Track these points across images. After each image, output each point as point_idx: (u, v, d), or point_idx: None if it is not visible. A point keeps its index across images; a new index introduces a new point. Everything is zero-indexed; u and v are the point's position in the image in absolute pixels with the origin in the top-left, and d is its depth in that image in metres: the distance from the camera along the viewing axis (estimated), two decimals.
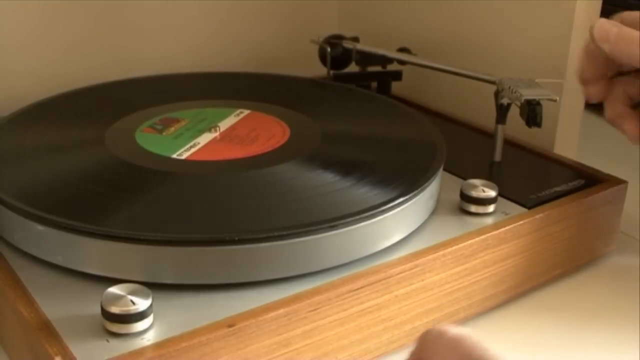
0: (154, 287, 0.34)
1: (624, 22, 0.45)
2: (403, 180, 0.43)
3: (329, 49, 0.65)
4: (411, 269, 0.39)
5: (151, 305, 0.33)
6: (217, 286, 0.36)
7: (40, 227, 0.38)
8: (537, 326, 0.44)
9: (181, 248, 0.36)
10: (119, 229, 0.37)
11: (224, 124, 0.51)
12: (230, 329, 0.33)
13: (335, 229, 0.38)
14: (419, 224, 0.43)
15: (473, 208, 0.45)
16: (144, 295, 0.33)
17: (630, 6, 0.76)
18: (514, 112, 0.50)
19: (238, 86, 0.61)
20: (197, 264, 0.36)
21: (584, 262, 0.50)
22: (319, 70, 0.67)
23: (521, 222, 0.44)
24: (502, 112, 0.52)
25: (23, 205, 0.38)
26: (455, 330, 0.30)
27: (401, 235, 0.42)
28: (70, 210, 0.38)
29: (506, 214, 0.45)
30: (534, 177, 0.51)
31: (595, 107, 0.79)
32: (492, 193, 0.45)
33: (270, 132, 0.50)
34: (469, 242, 0.42)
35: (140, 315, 0.33)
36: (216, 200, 0.41)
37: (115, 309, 0.32)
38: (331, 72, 0.65)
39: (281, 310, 0.35)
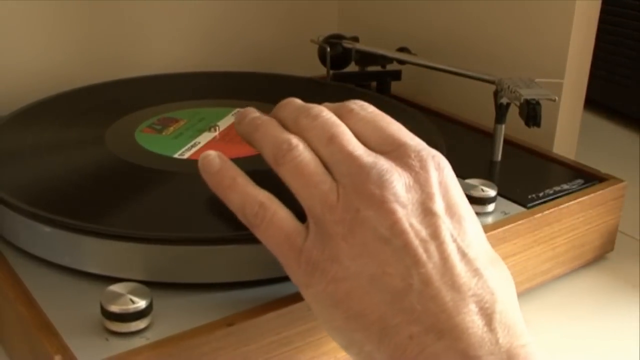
0: (153, 286, 0.34)
1: None
2: None
3: (328, 49, 0.65)
4: None
5: (151, 304, 0.33)
6: (216, 285, 0.37)
7: (42, 227, 0.38)
8: (536, 326, 0.44)
9: (181, 247, 0.36)
10: (122, 228, 0.37)
11: (223, 123, 0.51)
12: (230, 328, 0.33)
13: None
14: None
15: (473, 207, 0.45)
16: (144, 294, 0.33)
17: (630, 6, 0.76)
18: (513, 112, 0.50)
19: (236, 86, 0.62)
20: (197, 263, 0.36)
21: (584, 262, 0.50)
22: (319, 70, 0.67)
23: (520, 221, 0.44)
24: (501, 111, 0.52)
25: (25, 206, 0.38)
26: None
27: None
28: (72, 210, 0.38)
29: (505, 214, 0.45)
30: (533, 177, 0.51)
31: (594, 107, 0.80)
32: (491, 192, 0.45)
33: None
34: None
35: (140, 314, 0.33)
36: (220, 199, 0.41)
37: (114, 308, 0.32)
38: (331, 71, 0.65)
39: (281, 310, 0.35)
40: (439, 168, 0.33)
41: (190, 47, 0.72)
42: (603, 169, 0.52)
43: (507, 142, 0.54)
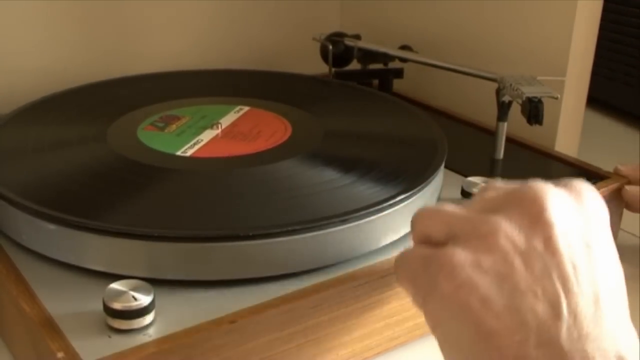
0: (156, 283, 0.34)
1: None
2: (405, 177, 0.43)
3: (330, 47, 0.65)
4: None
5: (153, 301, 0.33)
6: (219, 282, 0.37)
7: (44, 224, 0.38)
8: None
9: (184, 244, 0.36)
10: (124, 225, 0.37)
11: (225, 121, 0.51)
12: (232, 325, 0.33)
13: (346, 224, 0.38)
14: None
15: None
16: (146, 291, 0.33)
17: (632, 4, 0.76)
18: (515, 110, 0.50)
19: (238, 83, 0.62)
20: (199, 260, 0.36)
21: None
22: (321, 68, 0.67)
23: None
24: (503, 109, 0.52)
25: (27, 203, 0.39)
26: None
27: (403, 231, 0.42)
28: (74, 207, 0.38)
29: None
30: (535, 175, 0.51)
31: (596, 105, 0.80)
32: None
33: (272, 128, 0.50)
34: None
35: (142, 311, 0.33)
36: (223, 196, 0.41)
37: (117, 305, 0.32)
38: (333, 69, 0.65)
39: (283, 307, 0.35)
40: (602, 208, 0.30)
41: (192, 45, 0.72)
42: (605, 167, 0.52)
43: (509, 139, 0.54)
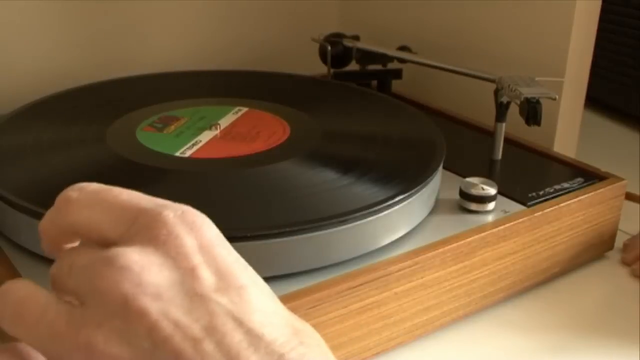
0: None
1: None
2: (403, 178, 0.43)
3: (329, 47, 0.65)
4: (411, 266, 0.40)
5: None
6: None
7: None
8: (536, 324, 0.45)
9: None
10: None
11: (224, 122, 0.51)
12: None
13: (345, 224, 0.38)
14: (418, 222, 0.43)
15: (473, 206, 0.45)
16: None
17: (631, 5, 0.76)
18: (513, 110, 0.50)
19: (236, 84, 0.62)
20: None
21: (583, 261, 0.50)
22: (320, 69, 0.67)
23: (520, 220, 0.44)
24: (501, 110, 0.52)
25: (27, 204, 0.39)
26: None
27: (401, 232, 0.42)
28: None
29: (505, 212, 0.45)
30: (533, 175, 0.52)
31: (595, 106, 0.80)
32: (492, 191, 0.45)
33: (270, 129, 0.50)
34: (469, 239, 0.42)
35: None
36: (221, 197, 0.41)
37: None
38: (332, 70, 0.65)
39: None
40: (194, 227, 0.26)
41: (191, 46, 0.72)
42: (603, 167, 0.52)
43: (507, 140, 0.54)
